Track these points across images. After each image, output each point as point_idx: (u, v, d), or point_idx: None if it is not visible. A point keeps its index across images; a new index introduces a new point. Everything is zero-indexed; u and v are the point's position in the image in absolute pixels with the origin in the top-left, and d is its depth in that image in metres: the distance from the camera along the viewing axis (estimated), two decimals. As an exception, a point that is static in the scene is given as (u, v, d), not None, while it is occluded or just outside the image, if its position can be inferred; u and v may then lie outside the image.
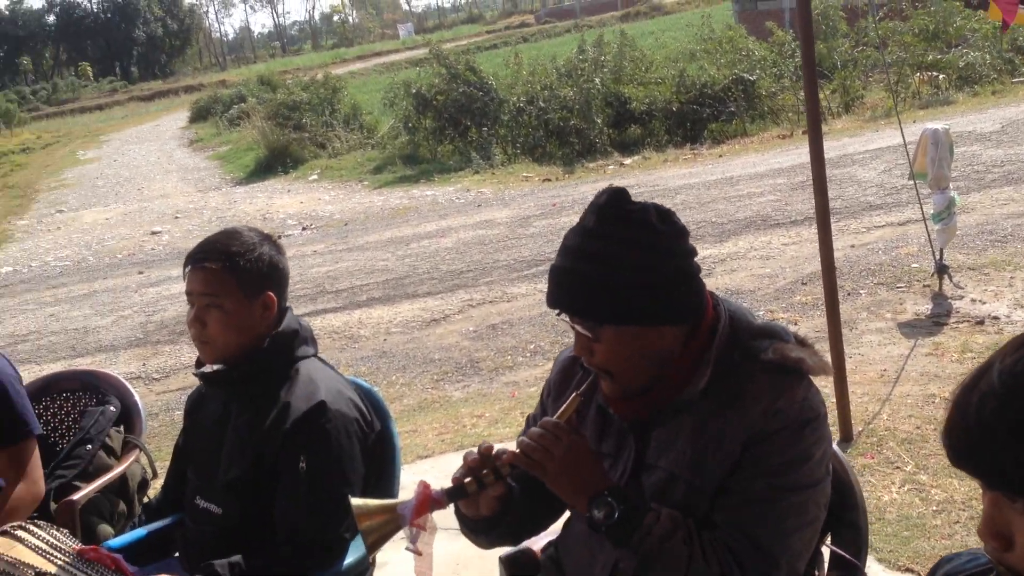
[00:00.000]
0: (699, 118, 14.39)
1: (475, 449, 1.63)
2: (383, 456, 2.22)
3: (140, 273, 10.00)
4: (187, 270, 2.07)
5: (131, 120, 38.47)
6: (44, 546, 1.85)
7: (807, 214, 7.76)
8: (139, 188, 18.02)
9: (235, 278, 2.03)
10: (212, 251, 2.05)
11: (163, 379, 6.28)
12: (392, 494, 2.24)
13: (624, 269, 1.53)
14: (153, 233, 12.77)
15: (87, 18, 74.80)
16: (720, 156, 12.62)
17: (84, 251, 12.09)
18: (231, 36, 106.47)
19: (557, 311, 1.61)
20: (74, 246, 12.59)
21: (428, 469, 4.04)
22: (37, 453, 2.48)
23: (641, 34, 23.25)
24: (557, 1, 70.36)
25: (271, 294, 2.10)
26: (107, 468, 2.74)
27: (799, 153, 10.70)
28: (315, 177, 16.00)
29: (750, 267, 6.83)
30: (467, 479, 1.60)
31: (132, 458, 2.80)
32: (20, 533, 1.87)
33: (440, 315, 6.76)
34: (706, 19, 17.65)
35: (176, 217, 13.88)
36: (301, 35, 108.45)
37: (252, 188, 16.06)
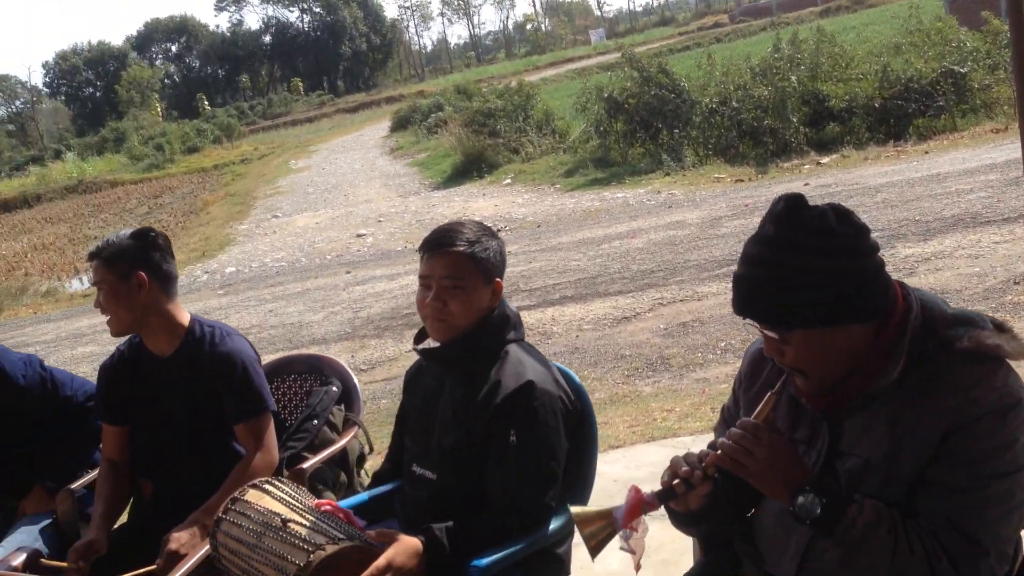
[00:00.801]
0: (903, 114, 13.80)
1: (682, 455, 1.74)
2: (583, 434, 2.36)
3: (347, 272, 10.66)
4: (426, 256, 2.27)
5: (337, 131, 40.61)
6: (287, 497, 2.11)
7: (1021, 211, 7.33)
8: (345, 194, 19.11)
9: (475, 264, 2.22)
10: (457, 238, 2.24)
11: (369, 370, 6.70)
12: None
13: (806, 275, 1.58)
14: (358, 236, 13.54)
15: (299, 37, 79.70)
16: (926, 152, 12.06)
17: (297, 252, 12.99)
18: (429, 48, 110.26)
19: (743, 318, 1.69)
20: (288, 248, 13.53)
21: (620, 458, 4.16)
22: (273, 427, 2.78)
23: (842, 29, 22.41)
24: (752, -1, 68.71)
25: (499, 281, 2.30)
26: (331, 442, 3.03)
27: (1014, 147, 10.08)
28: (509, 181, 16.46)
29: (957, 266, 6.54)
30: (675, 481, 1.71)
31: (351, 434, 3.08)
32: (267, 487, 2.14)
33: (631, 313, 6.87)
34: (914, 11, 16.86)
35: (379, 221, 14.65)
36: (495, 44, 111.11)
37: (449, 192, 16.70)
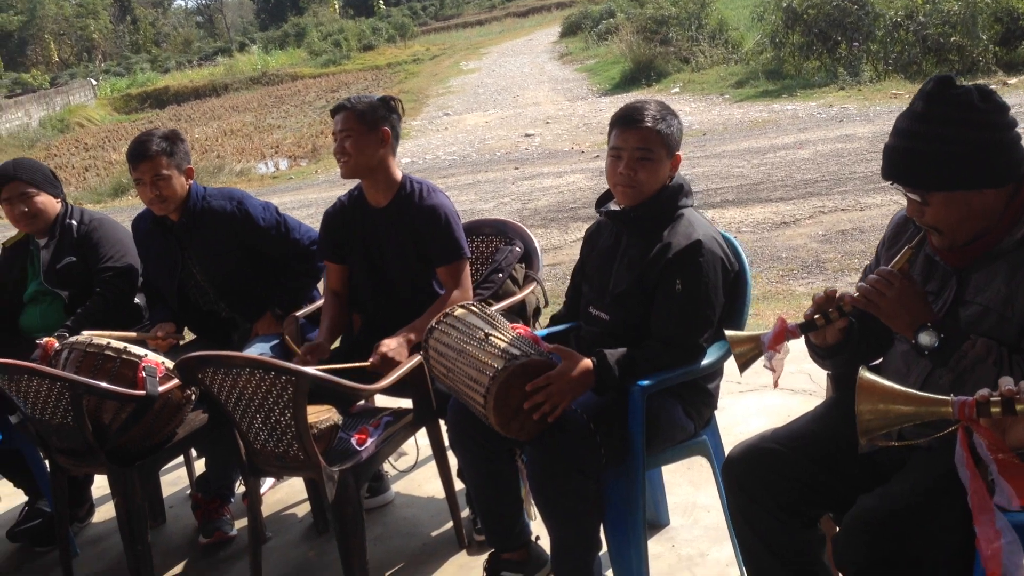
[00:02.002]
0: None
1: (822, 291, 2.08)
2: (737, 292, 2.71)
3: (516, 168, 11.12)
4: (617, 130, 2.64)
5: (507, 34, 40.81)
6: (489, 318, 2.56)
7: None
8: (514, 96, 19.50)
9: (661, 138, 2.58)
10: (646, 115, 2.59)
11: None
12: (742, 324, 2.74)
13: (949, 143, 1.87)
14: (526, 135, 13.95)
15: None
16: None
17: (468, 148, 13.54)
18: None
19: (891, 182, 1.99)
20: (459, 144, 14.11)
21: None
22: (468, 271, 3.25)
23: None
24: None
25: (679, 155, 2.65)
26: (512, 294, 3.47)
27: None
28: (677, 90, 16.43)
29: None
30: (816, 315, 2.05)
31: (530, 288, 3.52)
32: (473, 308, 2.61)
33: (790, 219, 7.04)
34: None
35: (547, 122, 15.00)
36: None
37: (616, 99, 16.83)
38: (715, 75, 16.89)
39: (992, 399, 1.52)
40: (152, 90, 36.66)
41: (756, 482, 2.16)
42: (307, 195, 11.38)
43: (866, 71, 13.99)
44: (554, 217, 8.13)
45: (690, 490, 3.32)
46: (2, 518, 3.89)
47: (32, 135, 28.74)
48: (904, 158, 1.94)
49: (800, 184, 8.05)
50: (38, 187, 3.62)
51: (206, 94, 34.18)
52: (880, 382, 1.65)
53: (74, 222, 3.70)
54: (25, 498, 3.75)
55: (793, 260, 6.11)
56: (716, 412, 2.81)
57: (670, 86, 16.94)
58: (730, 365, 3.65)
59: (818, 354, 2.26)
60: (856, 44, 14.68)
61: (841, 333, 2.13)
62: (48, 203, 3.65)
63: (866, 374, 1.65)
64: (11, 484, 3.83)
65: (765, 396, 3.97)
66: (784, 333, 2.04)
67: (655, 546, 3.01)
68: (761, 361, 2.07)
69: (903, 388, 1.66)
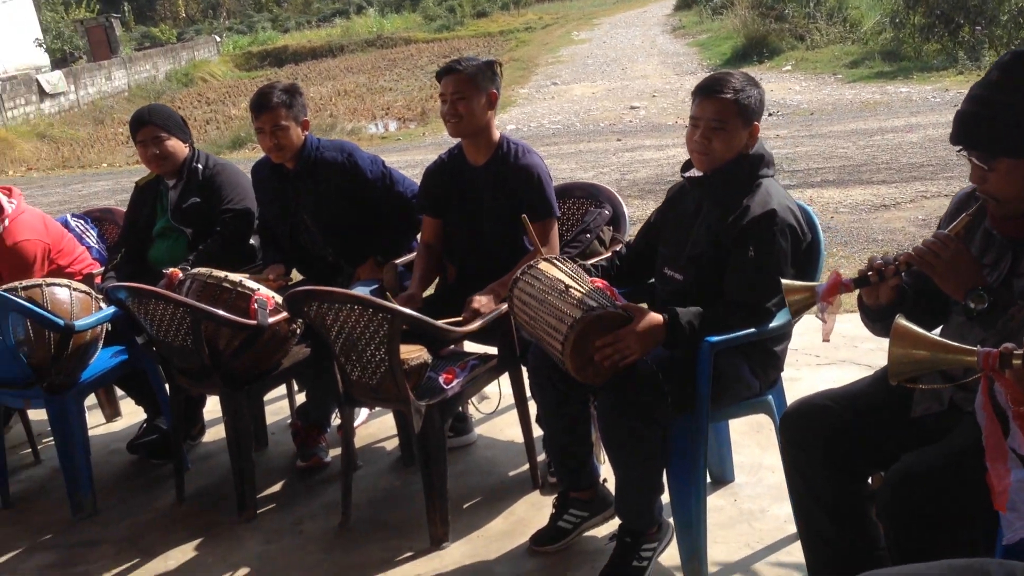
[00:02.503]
0: None
1: (878, 253, 2.19)
2: (808, 261, 2.83)
3: (618, 140, 11.21)
4: (697, 99, 2.78)
5: (621, 6, 40.44)
6: (570, 272, 2.75)
7: None
8: (623, 68, 19.48)
9: (738, 109, 2.70)
10: (725, 86, 2.72)
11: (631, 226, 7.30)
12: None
13: (1018, 111, 1.96)
14: (632, 108, 14.00)
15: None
16: None
17: (572, 118, 13.67)
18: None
19: (958, 148, 2.09)
20: (564, 113, 14.24)
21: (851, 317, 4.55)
22: (556, 230, 3.44)
23: None
24: None
25: (757, 124, 2.77)
26: (598, 254, 3.65)
27: None
28: (788, 68, 16.19)
29: None
30: (870, 272, 2.17)
31: (617, 248, 3.68)
32: (556, 262, 2.79)
33: (891, 202, 6.99)
34: None
35: (653, 96, 14.99)
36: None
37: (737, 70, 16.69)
38: (829, 54, 16.56)
39: (1016, 352, 1.62)
40: (272, 49, 37.69)
41: (809, 436, 2.31)
42: (413, 156, 11.69)
43: (987, 56, 13.55)
44: (651, 189, 8.23)
45: (757, 451, 3.46)
46: (124, 433, 4.27)
47: (158, 87, 29.99)
48: (973, 122, 2.03)
49: (905, 168, 7.95)
50: (169, 132, 3.94)
51: (323, 54, 34.98)
52: (913, 328, 1.75)
53: (200, 166, 4.02)
54: (144, 415, 4.12)
55: (889, 243, 6.09)
56: (793, 382, 2.94)
57: (782, 64, 16.69)
58: (807, 337, 3.78)
59: (869, 316, 2.35)
60: (979, 28, 14.22)
61: (893, 292, 2.20)
62: (177, 147, 3.97)
63: (901, 320, 1.77)
64: (133, 402, 4.23)
65: (844, 369, 4.06)
66: (838, 286, 2.15)
67: (718, 500, 3.17)
68: (816, 314, 2.20)
69: (933, 336, 1.77)
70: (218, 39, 39.75)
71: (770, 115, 12.00)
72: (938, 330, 2.35)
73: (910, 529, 1.99)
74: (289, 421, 4.08)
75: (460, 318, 3.18)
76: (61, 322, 3.38)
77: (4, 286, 3.43)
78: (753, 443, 3.51)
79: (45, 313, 3.36)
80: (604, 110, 14.16)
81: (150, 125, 3.92)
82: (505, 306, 3.05)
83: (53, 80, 26.18)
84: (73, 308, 3.50)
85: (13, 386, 3.54)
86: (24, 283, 3.48)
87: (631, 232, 6.36)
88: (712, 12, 26.44)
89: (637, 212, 7.60)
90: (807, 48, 17.61)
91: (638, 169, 9.12)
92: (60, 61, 31.61)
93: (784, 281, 2.21)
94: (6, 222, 3.88)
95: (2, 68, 28.93)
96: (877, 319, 2.34)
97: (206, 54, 36.62)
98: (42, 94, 25.28)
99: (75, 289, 3.57)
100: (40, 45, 32.72)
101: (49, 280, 3.55)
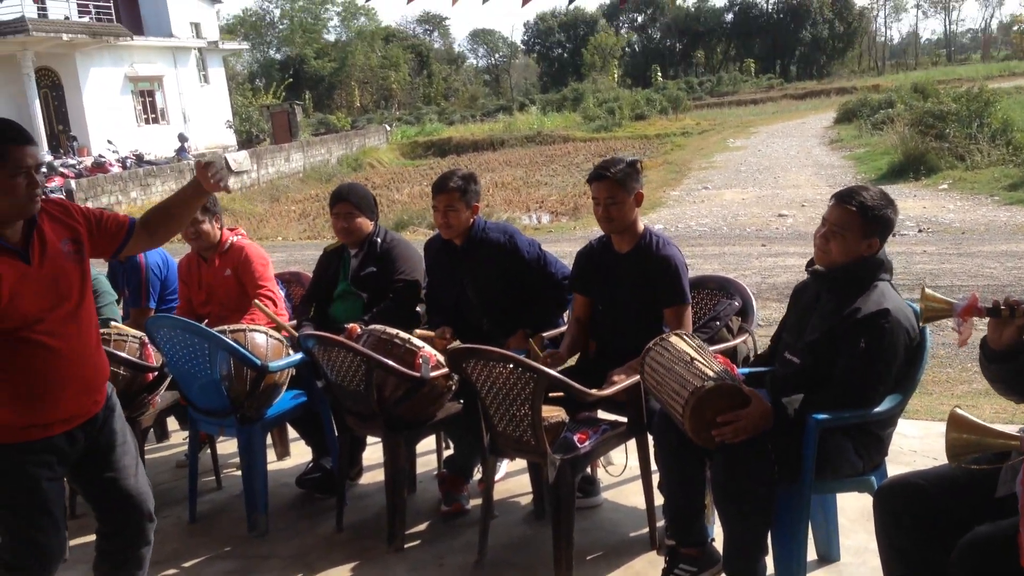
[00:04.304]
0: None
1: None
2: (914, 360, 3.13)
3: (763, 245, 11.49)
4: (831, 203, 3.14)
5: (780, 116, 40.72)
6: (696, 346, 3.14)
7: None
8: (775, 177, 19.72)
9: (863, 221, 3.06)
10: (855, 197, 3.07)
11: (766, 327, 7.56)
12: (913, 385, 3.14)
13: None
14: (780, 215, 14.24)
15: (761, 18, 79.67)
16: None
17: (720, 221, 14.02)
18: (896, 41, 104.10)
19: None
20: (712, 216, 14.61)
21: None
22: (689, 315, 3.83)
23: None
24: None
25: (876, 240, 3.11)
26: (725, 340, 4.01)
27: None
28: (945, 186, 16.09)
29: None
30: (1003, 306, 2.41)
31: (743, 339, 4.04)
32: (684, 336, 3.20)
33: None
34: None
35: (802, 205, 15.18)
36: (972, 44, 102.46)
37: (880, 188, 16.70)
38: (989, 175, 16.38)
39: None
40: (437, 139, 39.74)
41: (901, 511, 2.60)
42: (564, 247, 12.26)
43: None
44: (789, 293, 8.45)
45: (865, 536, 3.69)
46: (291, 470, 4.84)
47: (330, 170, 32.05)
48: None
49: (1051, 290, 7.94)
50: (361, 210, 4.57)
51: (484, 147, 36.62)
52: (965, 416, 2.02)
53: (379, 239, 4.62)
54: (311, 455, 4.68)
55: None
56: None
57: (939, 182, 16.60)
58: (928, 441, 3.99)
59: (987, 356, 2.57)
60: None
61: (1017, 332, 2.42)
62: (364, 224, 4.60)
63: (957, 411, 2.03)
64: (300, 444, 4.80)
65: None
66: (973, 308, 2.39)
67: (821, 575, 3.43)
68: (950, 325, 2.48)
69: (983, 423, 2.03)
70: (388, 128, 42.19)
71: (920, 231, 12.03)
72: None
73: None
74: (436, 472, 4.55)
75: (600, 389, 3.59)
76: (258, 362, 3.99)
77: (216, 328, 4.07)
78: (862, 528, 3.74)
79: (247, 353, 3.98)
80: (752, 216, 14.46)
81: (347, 202, 4.56)
82: (638, 376, 3.45)
83: (239, 159, 28.32)
84: (268, 351, 4.11)
85: (213, 414, 4.17)
86: (231, 327, 4.12)
87: (763, 329, 6.66)
88: (872, 127, 26.42)
89: (774, 314, 7.87)
90: (966, 168, 17.46)
91: (779, 274, 9.37)
92: (246, 142, 34.34)
93: (927, 290, 2.50)
94: (235, 238, 4.66)
95: (196, 146, 31.62)
96: (994, 360, 2.55)
97: (375, 141, 38.91)
98: (228, 171, 27.42)
99: (270, 336, 4.19)
100: (230, 127, 35.64)
101: (251, 326, 4.18)
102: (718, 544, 3.24)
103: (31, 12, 28.67)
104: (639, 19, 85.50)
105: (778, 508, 3.00)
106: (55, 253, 2.81)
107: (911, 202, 14.73)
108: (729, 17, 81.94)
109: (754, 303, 4.17)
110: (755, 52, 77.16)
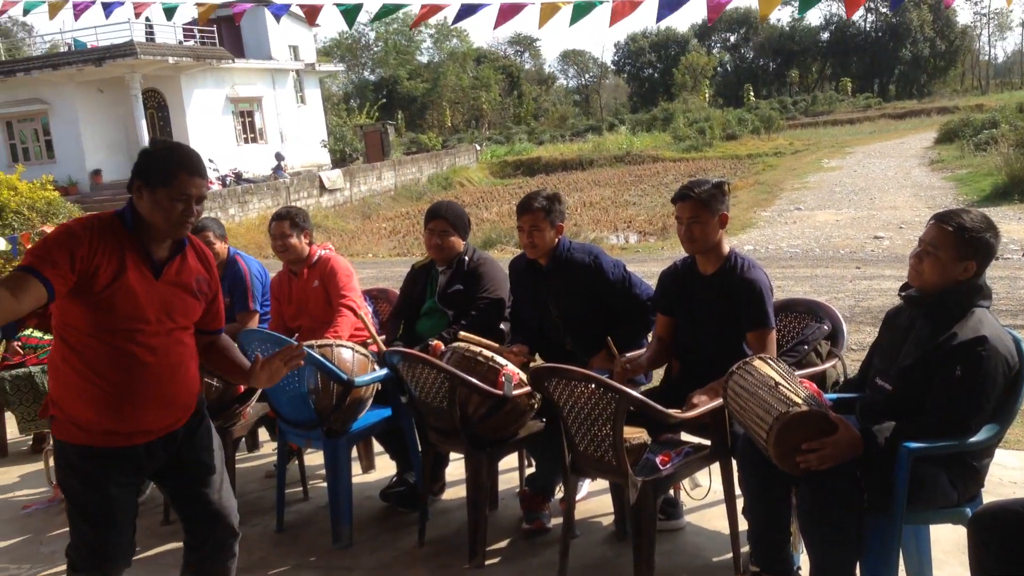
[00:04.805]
0: None
1: None
2: (1013, 388, 3.02)
3: (857, 268, 11.22)
4: (929, 223, 3.07)
5: (877, 136, 39.78)
6: (781, 371, 3.09)
7: None
8: (871, 198, 19.25)
9: (959, 242, 2.97)
10: (954, 220, 3.00)
11: (859, 351, 7.37)
12: (1012, 415, 3.03)
13: None
14: (875, 237, 13.89)
15: (858, 36, 78.02)
16: None
17: (812, 243, 13.74)
18: (1000, 59, 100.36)
19: None
20: (804, 238, 14.33)
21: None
22: (773, 339, 3.77)
23: None
24: None
25: (973, 264, 3.01)
26: (813, 364, 3.93)
27: None
28: (1053, 209, 15.49)
29: None
30: None
31: (832, 363, 3.95)
32: (768, 361, 3.15)
33: None
34: None
35: (900, 227, 14.78)
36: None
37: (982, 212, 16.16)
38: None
39: None
40: (526, 159, 39.99)
41: (996, 537, 2.52)
42: (650, 267, 12.18)
43: None
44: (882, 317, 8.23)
45: (959, 569, 3.56)
46: (375, 484, 4.91)
47: (420, 189, 32.53)
48: None
49: None
50: (455, 229, 4.63)
51: (573, 167, 36.69)
52: None
53: (467, 258, 4.67)
54: (395, 470, 4.74)
55: None
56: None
57: (1046, 204, 16.00)
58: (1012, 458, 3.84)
59: None
60: None
61: None
62: (456, 243, 4.65)
63: None
64: (384, 459, 4.87)
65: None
66: None
67: (913, 607, 3.32)
68: None
69: None
70: (478, 148, 42.66)
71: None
72: None
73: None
74: (518, 490, 4.56)
75: (680, 411, 3.56)
76: (345, 377, 4.07)
77: (305, 342, 4.17)
78: (956, 561, 3.61)
79: (334, 368, 4.06)
80: (846, 238, 14.14)
81: (443, 219, 4.62)
82: (721, 400, 3.41)
83: (333, 177, 29.13)
84: (354, 366, 4.19)
85: (301, 427, 4.26)
86: (319, 342, 4.22)
87: (856, 354, 6.51)
88: (975, 147, 25.61)
89: (867, 339, 7.65)
90: (1076, 190, 16.79)
91: (874, 297, 9.14)
92: (339, 160, 35.10)
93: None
94: (323, 251, 4.84)
95: (293, 164, 32.49)
96: None
97: (465, 161, 39.37)
98: (322, 189, 28.18)
99: (356, 351, 4.27)
100: (324, 146, 36.50)
101: (338, 342, 4.27)
102: (804, 573, 3.17)
103: (139, 36, 29.94)
104: (731, 39, 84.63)
105: (868, 538, 2.92)
106: (183, 283, 2.95)
107: (1015, 225, 14.21)
108: (825, 36, 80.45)
109: (844, 327, 4.08)
110: (852, 71, 75.56)
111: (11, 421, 6.06)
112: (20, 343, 5.70)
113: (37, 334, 5.70)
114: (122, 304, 2.79)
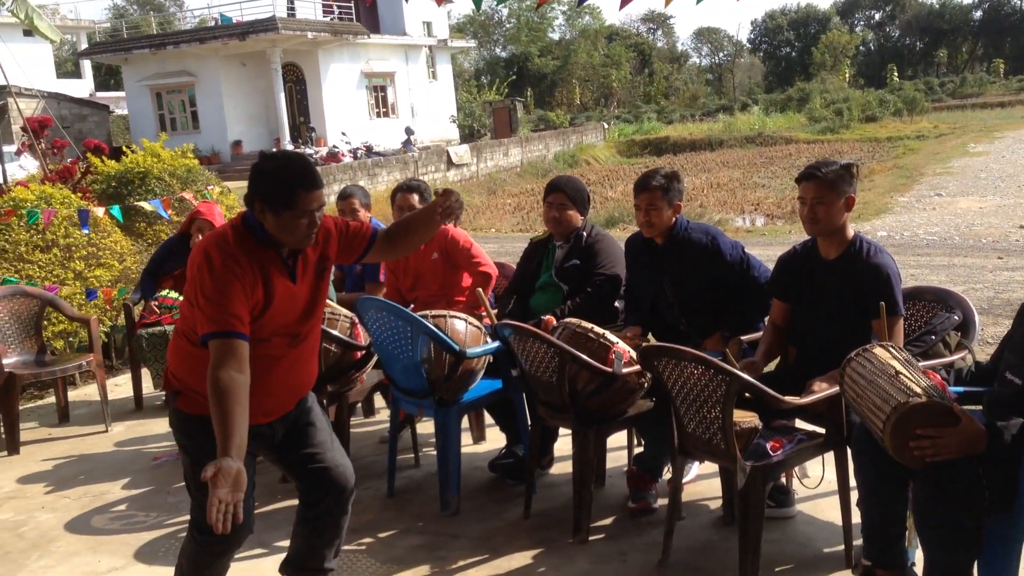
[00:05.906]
0: None
1: None
2: None
3: (999, 258, 10.65)
4: None
5: (1030, 119, 37.57)
6: (903, 359, 2.95)
7: None
8: (1020, 185, 18.24)
9: None
10: None
11: (994, 344, 7.01)
12: None
13: None
14: (1021, 227, 13.14)
15: (1014, 15, 73.66)
16: None
17: (951, 231, 13.12)
18: None
19: None
20: (943, 225, 13.70)
21: None
22: (900, 328, 3.60)
23: None
24: None
25: None
26: (941, 355, 3.74)
27: None
28: None
29: None
30: None
31: (961, 355, 3.76)
32: (890, 349, 3.01)
33: None
34: None
35: (1051, 217, 13.96)
36: None
37: None
38: None
39: None
40: (654, 138, 39.45)
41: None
42: (775, 251, 11.90)
43: None
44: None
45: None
46: (485, 455, 4.96)
47: (546, 166, 32.55)
48: None
49: None
50: (574, 203, 4.62)
51: (702, 147, 36.01)
52: None
53: (585, 233, 4.65)
54: (504, 442, 4.78)
55: None
56: None
57: None
58: None
59: None
60: None
61: None
62: (574, 217, 4.64)
63: None
64: (495, 430, 4.92)
65: None
66: None
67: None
68: None
69: None
70: (605, 126, 42.34)
71: None
72: None
73: None
74: (625, 468, 4.53)
75: (799, 398, 3.46)
76: (457, 348, 4.12)
77: (419, 312, 4.24)
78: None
79: (446, 338, 4.11)
80: (989, 226, 13.43)
81: (561, 193, 4.63)
82: (838, 388, 3.29)
83: (460, 152, 29.48)
84: (467, 338, 4.23)
85: (413, 395, 4.34)
86: (433, 312, 4.28)
87: (992, 347, 6.21)
88: None
89: (1002, 331, 7.27)
90: None
91: (1015, 289, 8.67)
92: (467, 136, 35.46)
93: None
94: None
95: (422, 139, 33.01)
96: None
97: (592, 139, 39.15)
98: (449, 163, 28.56)
99: (469, 323, 4.31)
100: (453, 121, 36.94)
101: (452, 313, 4.32)
102: (918, 569, 3.05)
103: (281, 11, 30.89)
104: (876, 16, 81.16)
105: (988, 538, 2.78)
106: (311, 271, 3.03)
107: None
108: (977, 15, 76.18)
109: (976, 317, 3.88)
110: (1005, 51, 71.34)
111: (146, 377, 6.40)
112: (157, 303, 5.99)
113: (173, 295, 5.98)
114: (270, 321, 2.89)
